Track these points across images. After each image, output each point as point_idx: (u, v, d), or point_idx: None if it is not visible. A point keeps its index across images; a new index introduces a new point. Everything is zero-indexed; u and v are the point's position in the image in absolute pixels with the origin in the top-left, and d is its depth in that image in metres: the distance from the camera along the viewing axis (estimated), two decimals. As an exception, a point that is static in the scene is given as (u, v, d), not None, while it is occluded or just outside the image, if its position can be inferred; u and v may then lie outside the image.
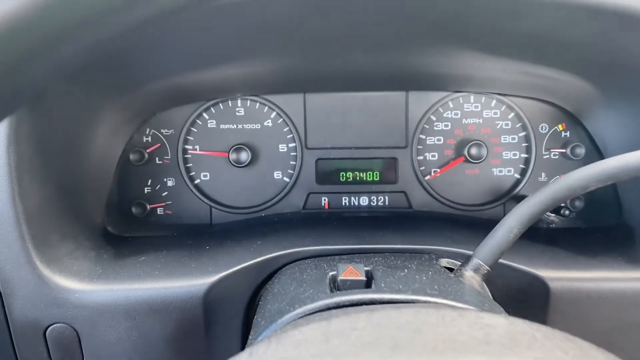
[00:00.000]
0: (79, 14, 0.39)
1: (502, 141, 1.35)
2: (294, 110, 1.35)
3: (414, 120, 1.36)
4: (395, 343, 0.44)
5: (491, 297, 0.81)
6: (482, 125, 1.35)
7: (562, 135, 1.34)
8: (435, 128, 1.36)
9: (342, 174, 1.38)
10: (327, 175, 1.38)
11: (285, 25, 0.84)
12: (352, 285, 0.76)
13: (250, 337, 0.77)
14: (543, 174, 1.35)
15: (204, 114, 1.35)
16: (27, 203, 0.89)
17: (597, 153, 1.29)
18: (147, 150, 1.32)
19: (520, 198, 1.34)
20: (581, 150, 1.30)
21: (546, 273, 0.95)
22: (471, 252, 0.82)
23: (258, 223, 1.30)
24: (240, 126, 1.35)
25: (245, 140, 1.35)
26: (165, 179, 1.36)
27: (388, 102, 1.35)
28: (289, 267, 0.94)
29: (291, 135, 1.36)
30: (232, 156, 1.32)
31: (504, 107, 1.34)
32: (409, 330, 0.46)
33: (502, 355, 0.42)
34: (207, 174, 1.37)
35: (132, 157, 1.31)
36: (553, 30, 0.84)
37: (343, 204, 1.39)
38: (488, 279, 0.82)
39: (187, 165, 1.36)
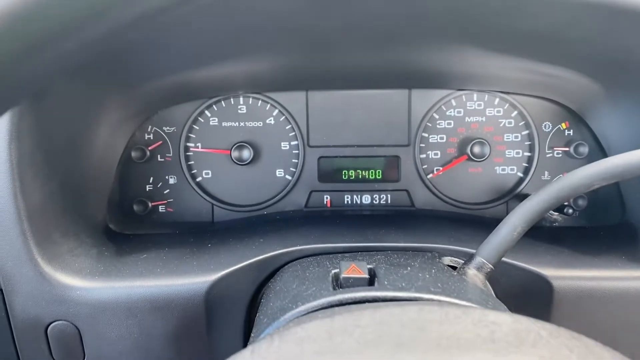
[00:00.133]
0: (77, 9, 0.38)
1: (505, 139, 1.35)
2: (296, 108, 1.35)
3: (417, 119, 1.35)
4: (399, 340, 0.44)
5: (494, 296, 0.80)
6: (485, 123, 1.35)
7: (566, 134, 1.33)
8: (438, 126, 1.36)
9: (345, 172, 1.37)
10: (329, 174, 1.37)
11: (288, 22, 0.84)
12: (354, 283, 0.76)
13: (252, 334, 0.77)
14: (546, 172, 1.35)
15: (206, 112, 1.35)
16: (29, 200, 0.89)
17: (600, 152, 1.28)
18: (149, 148, 1.32)
19: (523, 197, 1.33)
20: (584, 149, 1.29)
21: (549, 272, 0.95)
22: (474, 251, 0.82)
23: (260, 221, 1.30)
24: (242, 124, 1.35)
25: (248, 138, 1.35)
26: (167, 177, 1.36)
27: (391, 100, 1.35)
28: (291, 265, 0.94)
29: (293, 133, 1.36)
30: (234, 154, 1.32)
31: (507, 105, 1.34)
32: (412, 327, 0.46)
33: (508, 353, 0.41)
34: (209, 171, 1.37)
35: (134, 154, 1.30)
36: (557, 28, 0.83)
37: (345, 202, 1.38)
38: (491, 277, 0.82)
39: (189, 162, 1.36)
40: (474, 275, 0.79)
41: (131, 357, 0.95)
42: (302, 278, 0.82)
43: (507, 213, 0.80)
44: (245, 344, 0.97)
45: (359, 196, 1.38)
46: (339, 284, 0.77)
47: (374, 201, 1.38)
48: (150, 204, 1.33)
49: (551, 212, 1.32)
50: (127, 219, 1.30)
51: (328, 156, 1.37)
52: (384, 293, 0.69)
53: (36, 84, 0.45)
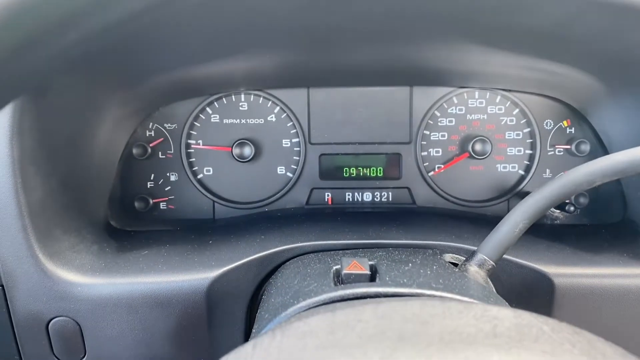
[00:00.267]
0: (73, 3, 0.38)
1: (507, 137, 1.35)
2: (297, 105, 1.35)
3: (418, 116, 1.35)
4: (401, 335, 0.44)
5: (496, 292, 0.80)
6: (486, 121, 1.35)
7: (567, 132, 1.33)
8: (439, 124, 1.36)
9: (346, 170, 1.37)
10: (330, 171, 1.37)
11: (289, 19, 0.84)
12: (356, 279, 0.75)
13: (253, 330, 0.77)
14: (547, 170, 1.34)
15: (208, 109, 1.34)
16: (31, 196, 0.89)
17: (602, 149, 1.28)
18: (150, 145, 1.32)
19: (524, 194, 1.33)
20: (586, 147, 1.29)
21: (551, 269, 0.95)
22: (475, 248, 0.82)
23: (261, 218, 1.30)
24: (243, 121, 1.35)
25: (249, 135, 1.35)
26: (168, 174, 1.35)
27: (392, 98, 1.35)
28: (293, 261, 0.94)
29: (295, 131, 1.35)
30: (236, 151, 1.32)
31: (509, 102, 1.34)
32: (415, 322, 0.46)
33: (510, 348, 0.41)
34: (210, 168, 1.37)
35: (135, 151, 1.30)
36: (559, 26, 0.83)
37: (346, 199, 1.38)
38: (492, 274, 0.81)
39: (190, 160, 1.36)
40: (475, 272, 0.79)
41: (132, 353, 0.95)
42: (303, 274, 0.82)
43: (508, 211, 0.79)
44: (246, 340, 0.97)
45: (360, 194, 1.38)
46: (340, 280, 0.77)
47: (375, 199, 1.38)
48: (151, 201, 1.33)
49: (553, 209, 1.32)
50: (128, 215, 1.30)
51: (329, 153, 1.37)
52: (386, 289, 0.69)
53: (35, 78, 0.45)
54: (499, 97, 1.34)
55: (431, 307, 0.49)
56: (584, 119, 1.30)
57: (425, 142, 1.36)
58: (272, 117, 1.35)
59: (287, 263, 0.95)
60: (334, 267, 0.82)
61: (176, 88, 1.24)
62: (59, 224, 0.97)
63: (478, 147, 1.30)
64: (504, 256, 0.81)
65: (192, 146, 1.35)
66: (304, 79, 1.31)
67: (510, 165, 1.36)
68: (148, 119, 1.33)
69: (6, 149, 0.85)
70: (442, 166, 1.36)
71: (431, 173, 1.37)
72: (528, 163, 1.35)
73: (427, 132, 1.36)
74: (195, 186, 1.36)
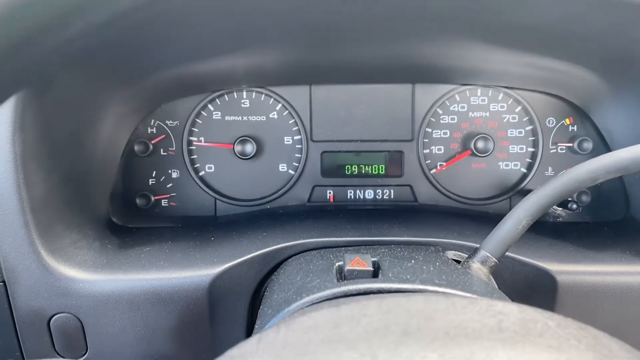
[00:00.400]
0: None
1: (509, 135, 1.35)
2: (299, 103, 1.35)
3: (420, 113, 1.35)
4: (406, 329, 0.43)
5: (499, 289, 0.80)
6: (488, 118, 1.34)
7: (569, 130, 1.33)
8: (441, 121, 1.36)
9: (348, 167, 1.37)
10: (332, 168, 1.37)
11: (292, 16, 0.84)
12: (359, 275, 0.75)
13: (256, 326, 0.77)
14: (550, 168, 1.34)
15: (209, 106, 1.34)
16: (32, 192, 0.89)
17: (604, 147, 1.28)
18: (152, 142, 1.32)
19: (526, 192, 1.33)
20: (588, 145, 1.29)
21: (553, 266, 0.94)
22: (477, 245, 0.82)
23: (263, 215, 1.29)
24: (245, 118, 1.35)
25: (251, 132, 1.35)
26: (169, 171, 1.35)
27: (394, 95, 1.35)
28: (295, 258, 0.94)
29: (297, 128, 1.35)
30: (237, 148, 1.31)
31: (511, 100, 1.34)
32: (419, 317, 0.45)
33: (515, 343, 0.41)
34: (212, 165, 1.36)
35: (136, 148, 1.30)
36: (562, 23, 0.83)
37: (348, 197, 1.38)
38: (495, 272, 0.81)
39: (192, 157, 1.36)
40: (478, 269, 0.79)
41: (134, 350, 0.95)
42: (306, 271, 0.82)
43: (510, 209, 0.79)
44: (248, 336, 0.97)
45: (362, 191, 1.38)
46: (343, 276, 0.77)
47: (377, 196, 1.38)
48: (153, 198, 1.33)
49: (555, 207, 1.31)
50: (129, 212, 1.30)
51: (331, 151, 1.36)
52: (389, 285, 0.69)
53: (36, 71, 0.45)
54: (501, 95, 1.34)
55: (436, 302, 0.48)
56: (586, 117, 1.30)
57: (427, 140, 1.36)
58: (274, 114, 1.35)
59: (290, 260, 0.95)
60: (337, 264, 0.82)
61: (178, 85, 1.24)
62: (60, 220, 0.97)
63: (480, 144, 1.30)
64: (507, 253, 0.81)
65: (194, 143, 1.35)
66: (306, 76, 1.31)
67: (513, 163, 1.36)
68: (150, 116, 1.33)
69: (8, 145, 0.84)
70: (444, 164, 1.36)
71: (433, 171, 1.36)
72: (530, 161, 1.35)
73: (429, 130, 1.36)
74: (197, 183, 1.35)
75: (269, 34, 0.94)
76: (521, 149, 1.35)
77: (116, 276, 0.93)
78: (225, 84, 1.31)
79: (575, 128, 1.33)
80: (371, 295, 0.67)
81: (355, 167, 1.37)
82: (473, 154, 1.32)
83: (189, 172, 1.35)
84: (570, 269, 0.94)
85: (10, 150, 0.85)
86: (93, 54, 0.87)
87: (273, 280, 0.91)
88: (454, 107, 1.35)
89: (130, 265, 0.96)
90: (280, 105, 1.35)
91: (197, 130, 1.35)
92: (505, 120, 1.34)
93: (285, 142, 1.36)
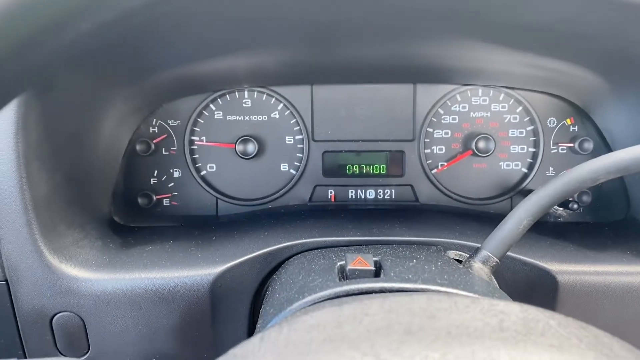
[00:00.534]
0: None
1: (510, 135, 1.35)
2: (301, 102, 1.35)
3: (422, 113, 1.35)
4: (408, 328, 0.44)
5: (500, 289, 0.80)
6: (490, 118, 1.35)
7: (570, 130, 1.33)
8: (442, 121, 1.36)
9: (349, 167, 1.37)
10: (333, 168, 1.37)
11: (293, 15, 0.84)
12: (360, 275, 0.76)
13: (258, 325, 0.77)
14: (551, 168, 1.34)
15: (211, 105, 1.35)
16: (35, 191, 0.89)
17: (605, 148, 1.28)
18: (154, 141, 1.32)
19: (527, 192, 1.33)
20: (589, 145, 1.29)
21: (554, 266, 0.95)
22: (479, 245, 0.82)
23: (264, 215, 1.30)
24: (247, 118, 1.35)
25: (252, 132, 1.35)
26: (171, 170, 1.36)
27: (396, 95, 1.35)
28: (297, 257, 0.94)
29: (298, 128, 1.35)
30: (239, 148, 1.32)
31: (512, 100, 1.34)
32: (422, 316, 0.46)
33: (517, 342, 0.41)
34: (214, 165, 1.37)
35: (138, 147, 1.30)
36: (563, 23, 0.83)
37: (349, 196, 1.38)
38: (496, 272, 0.81)
39: (194, 156, 1.36)
40: (479, 268, 0.79)
41: (136, 349, 0.95)
42: (307, 270, 0.82)
43: (511, 209, 0.79)
44: (249, 336, 0.98)
45: (363, 191, 1.38)
46: (345, 275, 0.77)
47: (378, 196, 1.38)
48: (154, 197, 1.34)
49: (556, 207, 1.32)
50: (131, 211, 1.30)
51: (332, 150, 1.37)
52: (391, 284, 0.69)
53: (39, 73, 0.45)
54: (502, 95, 1.34)
55: (438, 302, 0.49)
56: (587, 117, 1.30)
57: (428, 140, 1.36)
58: (275, 114, 1.35)
59: (291, 259, 0.95)
60: (339, 263, 0.82)
61: (180, 84, 1.24)
62: (63, 219, 0.97)
63: (481, 144, 1.31)
64: (508, 253, 0.81)
65: (196, 143, 1.36)
66: (308, 76, 1.31)
67: (514, 163, 1.36)
68: (151, 116, 1.33)
69: (11, 144, 0.85)
70: (445, 164, 1.36)
71: (434, 171, 1.37)
72: (531, 161, 1.35)
73: (431, 130, 1.36)
74: (199, 183, 1.36)
75: (270, 35, 0.94)
76: (522, 149, 1.35)
77: (118, 275, 0.93)
78: (227, 83, 1.31)
79: (576, 128, 1.33)
80: (373, 294, 0.67)
81: (356, 167, 1.37)
82: (474, 154, 1.32)
83: (191, 171, 1.35)
84: (571, 269, 0.95)
85: (13, 150, 0.85)
86: (96, 54, 0.87)
87: (275, 279, 0.91)
88: (455, 107, 1.35)
89: (132, 264, 0.96)
90: (281, 105, 1.35)
91: (198, 129, 1.35)
92: (506, 121, 1.34)
93: (287, 142, 1.36)
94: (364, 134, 1.36)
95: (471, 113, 1.35)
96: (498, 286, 0.87)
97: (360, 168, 1.37)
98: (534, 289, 0.95)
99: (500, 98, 1.34)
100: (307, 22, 0.88)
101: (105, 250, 1.01)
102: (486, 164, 1.36)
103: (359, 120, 1.36)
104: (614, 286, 0.94)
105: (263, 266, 0.97)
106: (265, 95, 1.35)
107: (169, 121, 1.34)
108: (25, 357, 0.97)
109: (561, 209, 1.30)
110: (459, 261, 0.87)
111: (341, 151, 1.37)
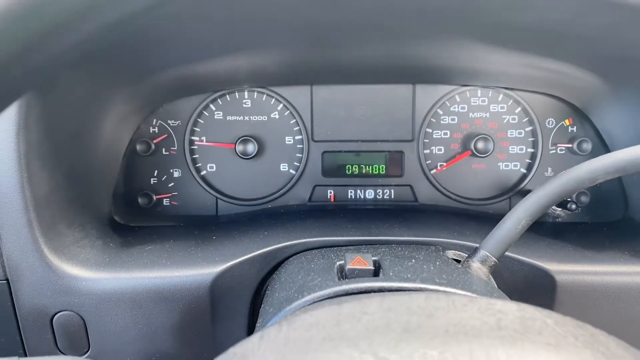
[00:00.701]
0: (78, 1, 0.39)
1: (509, 135, 1.35)
2: (300, 103, 1.35)
3: (421, 114, 1.36)
4: (407, 327, 0.44)
5: (498, 289, 0.80)
6: (488, 119, 1.35)
7: (569, 130, 1.33)
8: (442, 122, 1.36)
9: (348, 167, 1.38)
10: (333, 168, 1.38)
11: (293, 16, 0.84)
12: (360, 274, 0.76)
13: (257, 324, 0.77)
14: (549, 168, 1.35)
15: (211, 105, 1.35)
16: (36, 190, 0.89)
17: (603, 148, 1.29)
18: (154, 141, 1.33)
19: (526, 193, 1.33)
20: (588, 146, 1.29)
21: (553, 266, 0.95)
22: (477, 245, 0.82)
23: (264, 214, 1.30)
24: (247, 118, 1.35)
25: (252, 132, 1.35)
26: (171, 170, 1.36)
27: (395, 95, 1.35)
28: (296, 257, 0.95)
29: (298, 128, 1.36)
30: (239, 148, 1.32)
31: (511, 101, 1.34)
32: (420, 315, 0.46)
33: (514, 341, 0.42)
34: (214, 165, 1.37)
35: (138, 147, 1.31)
36: (562, 24, 0.83)
37: (349, 196, 1.39)
38: (494, 271, 0.82)
39: (194, 156, 1.36)
40: (477, 268, 0.80)
41: (136, 348, 0.96)
42: (307, 269, 0.83)
43: (510, 209, 0.80)
44: (249, 335, 0.98)
45: (362, 191, 1.39)
46: (344, 275, 0.77)
47: (378, 196, 1.39)
48: (154, 197, 1.34)
49: (554, 207, 1.32)
50: (132, 211, 1.31)
51: (332, 151, 1.37)
52: (390, 284, 0.70)
53: (41, 75, 0.46)
54: (501, 96, 1.34)
55: (436, 301, 0.49)
56: (585, 118, 1.31)
57: (427, 140, 1.37)
58: (275, 115, 1.36)
59: (291, 259, 0.95)
60: (338, 263, 0.82)
61: (180, 85, 1.24)
62: (63, 219, 0.97)
63: (480, 145, 1.31)
64: (506, 253, 0.82)
65: (196, 143, 1.36)
66: (307, 77, 1.32)
67: (512, 163, 1.36)
68: (152, 116, 1.33)
69: (12, 144, 0.85)
70: (445, 164, 1.37)
71: (433, 171, 1.37)
72: (530, 161, 1.35)
73: (430, 130, 1.36)
74: (199, 183, 1.36)
75: (270, 36, 0.95)
76: (521, 149, 1.36)
77: (118, 274, 0.94)
78: (227, 84, 1.31)
79: (574, 129, 1.33)
80: (372, 293, 0.67)
81: (355, 167, 1.38)
82: (473, 155, 1.33)
83: (191, 171, 1.36)
84: (569, 269, 0.95)
85: (15, 149, 0.85)
86: (97, 55, 0.88)
87: (274, 279, 0.92)
88: (454, 108, 1.36)
89: (133, 263, 0.96)
90: (281, 105, 1.35)
91: (198, 130, 1.35)
92: (505, 121, 1.35)
93: (287, 142, 1.37)
94: (363, 134, 1.37)
95: (470, 114, 1.35)
96: (496, 286, 0.88)
97: (360, 168, 1.38)
98: (532, 288, 0.96)
99: (499, 99, 1.34)
100: (307, 23, 0.88)
101: (105, 250, 1.02)
102: (485, 165, 1.36)
103: (359, 120, 1.36)
104: (611, 286, 0.94)
105: (263, 266, 0.98)
106: (265, 95, 1.35)
107: (169, 121, 1.34)
108: (26, 356, 0.98)
109: (559, 209, 1.31)
110: (458, 261, 0.87)
111: (341, 151, 1.37)
